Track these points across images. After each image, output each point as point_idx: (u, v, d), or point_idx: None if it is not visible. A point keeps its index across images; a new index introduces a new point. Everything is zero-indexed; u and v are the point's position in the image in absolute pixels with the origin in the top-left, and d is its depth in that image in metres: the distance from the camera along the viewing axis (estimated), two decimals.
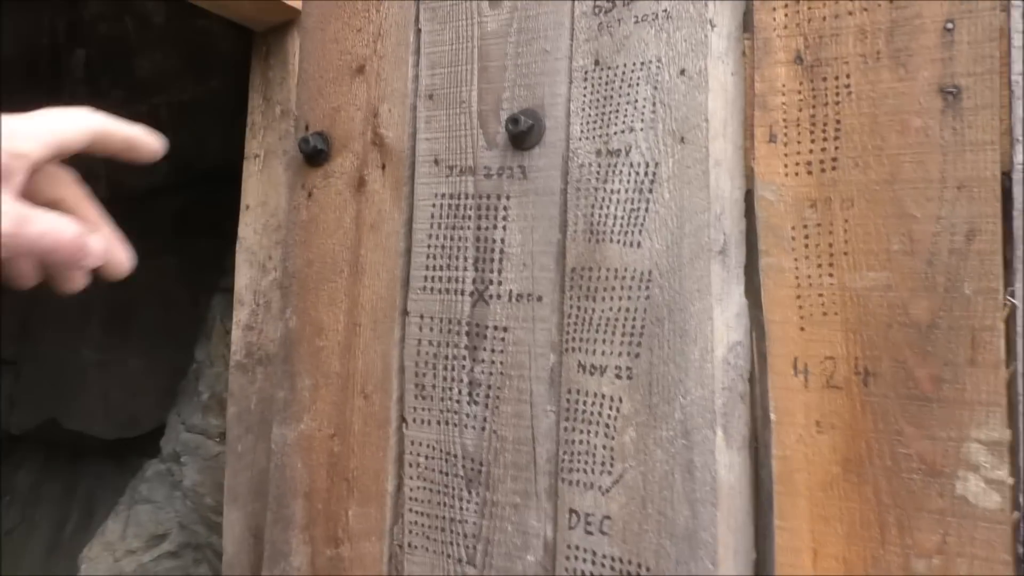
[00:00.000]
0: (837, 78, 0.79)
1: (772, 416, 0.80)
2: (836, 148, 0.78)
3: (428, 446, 1.00)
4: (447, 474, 0.98)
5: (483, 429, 0.96)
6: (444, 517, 0.98)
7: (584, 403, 0.90)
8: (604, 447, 0.88)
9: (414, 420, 1.02)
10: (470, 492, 0.96)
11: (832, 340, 0.77)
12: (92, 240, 0.51)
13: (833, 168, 0.78)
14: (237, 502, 1.30)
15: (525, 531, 0.93)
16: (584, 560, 0.88)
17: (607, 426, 0.88)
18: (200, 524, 1.86)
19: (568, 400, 0.91)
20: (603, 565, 0.87)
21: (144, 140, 0.56)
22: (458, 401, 0.99)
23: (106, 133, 0.53)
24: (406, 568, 1.00)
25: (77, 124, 0.52)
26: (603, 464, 0.88)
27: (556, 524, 0.91)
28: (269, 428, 1.15)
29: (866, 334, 0.75)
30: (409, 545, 1.00)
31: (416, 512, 1.00)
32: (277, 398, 1.13)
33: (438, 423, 1.00)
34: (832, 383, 0.77)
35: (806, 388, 0.78)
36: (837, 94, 0.78)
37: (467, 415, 0.98)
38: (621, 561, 0.86)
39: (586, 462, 0.89)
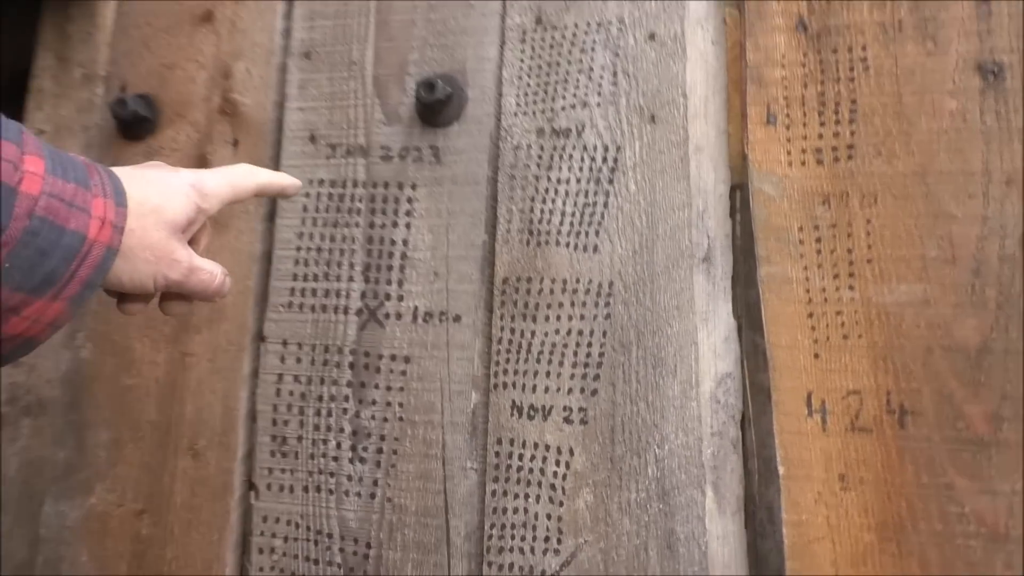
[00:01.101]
0: (850, 49, 0.65)
1: (780, 469, 0.62)
2: (852, 133, 0.64)
3: (289, 522, 0.72)
4: (318, 562, 0.70)
5: (372, 496, 0.70)
6: None
7: (520, 457, 0.67)
8: (549, 516, 0.66)
9: (268, 486, 0.73)
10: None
11: (857, 370, 0.61)
12: (227, 284, 0.59)
13: (849, 157, 0.63)
14: None
15: None
16: None
17: (552, 487, 0.66)
18: None
19: (498, 454, 0.68)
20: None
21: (291, 185, 0.63)
22: (336, 458, 0.72)
23: (267, 186, 0.61)
24: None
25: (249, 184, 0.60)
26: (547, 540, 0.65)
27: None
28: (38, 505, 0.81)
29: (900, 361, 0.60)
30: None
31: None
32: (53, 461, 0.80)
33: (305, 490, 0.72)
34: (859, 425, 0.60)
35: (824, 432, 0.61)
36: (851, 68, 0.64)
37: (348, 477, 0.71)
38: None
39: (523, 538, 0.66)
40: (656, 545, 0.63)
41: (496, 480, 0.68)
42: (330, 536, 0.71)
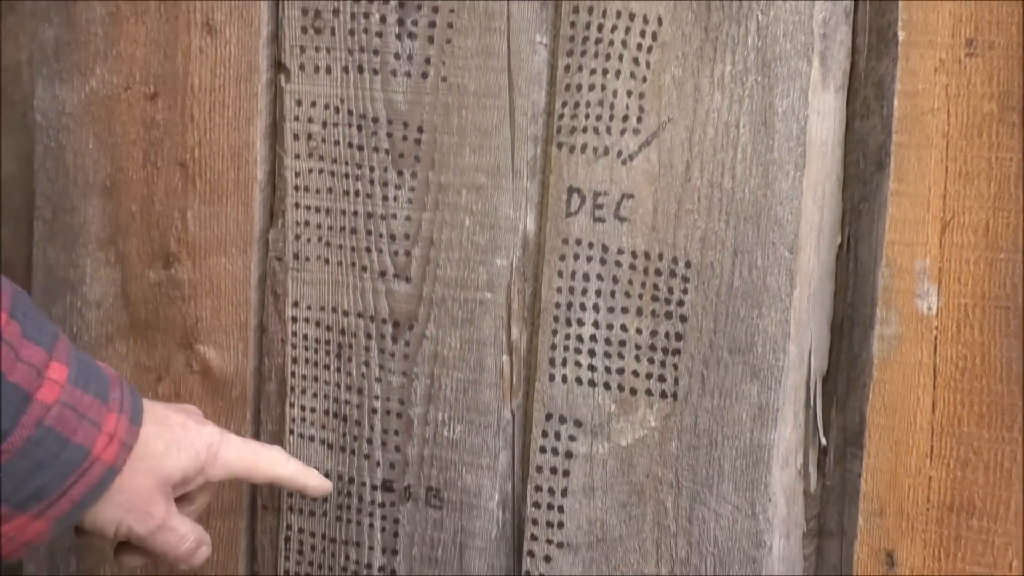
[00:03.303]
0: None
1: (899, 34, 0.55)
2: None
3: (327, 106, 0.64)
4: (362, 148, 0.64)
5: (424, 76, 0.62)
6: (358, 212, 0.64)
7: (600, 28, 0.59)
8: (630, 93, 0.59)
9: (301, 67, 0.65)
10: (401, 173, 0.63)
11: None
12: (199, 554, 0.56)
13: None
14: None
15: (493, 224, 0.62)
16: (589, 259, 0.61)
17: (635, 61, 0.59)
18: None
19: (573, 24, 0.60)
20: (618, 264, 0.60)
21: (315, 486, 0.60)
22: (380, 34, 0.63)
23: (287, 480, 0.59)
24: (291, 291, 0.66)
25: (269, 473, 0.58)
26: (626, 119, 0.59)
27: (545, 211, 0.62)
28: (27, 92, 0.71)
29: None
30: (296, 257, 0.66)
31: (309, 208, 0.65)
32: (42, 39, 0.69)
33: (345, 70, 0.64)
34: None
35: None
36: None
37: (396, 55, 0.63)
38: (647, 257, 0.60)
39: (599, 116, 0.60)
40: (750, 121, 0.57)
41: (570, 54, 0.60)
42: (375, 120, 0.64)
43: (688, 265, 0.59)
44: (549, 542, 0.63)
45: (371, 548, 0.66)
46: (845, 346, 0.60)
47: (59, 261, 0.69)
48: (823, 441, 0.60)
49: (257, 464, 0.57)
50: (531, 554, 0.63)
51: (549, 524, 0.63)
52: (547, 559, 0.63)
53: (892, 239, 0.56)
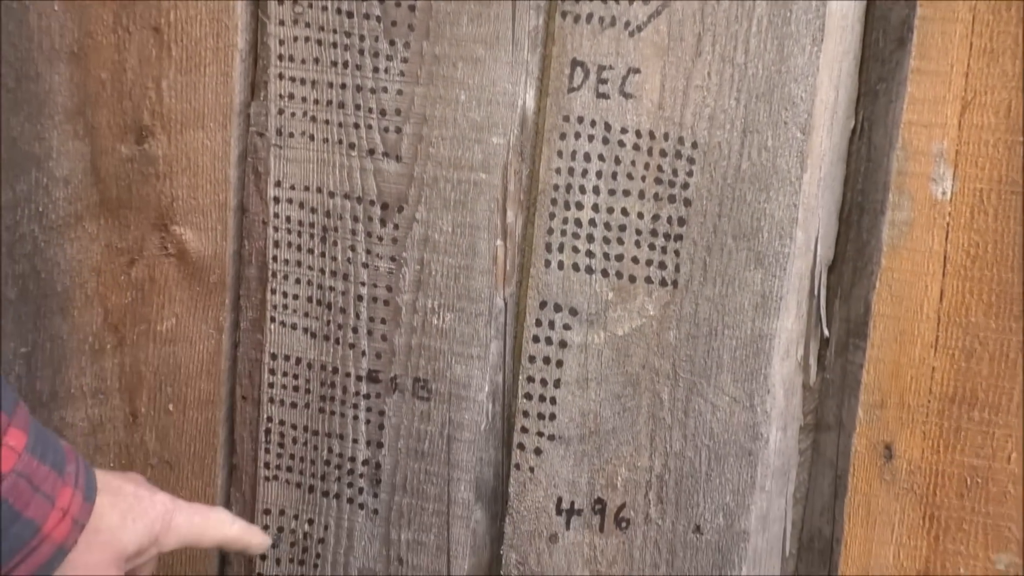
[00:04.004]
0: None
1: None
2: None
3: None
4: (352, 15, 0.60)
5: None
6: (346, 85, 0.60)
7: None
8: None
9: None
10: (393, 43, 0.59)
11: None
12: None
13: None
14: None
15: (490, 99, 0.59)
16: (591, 139, 0.58)
17: None
18: None
19: None
20: (621, 144, 0.57)
21: (258, 543, 0.58)
22: None
23: (232, 540, 0.57)
24: (274, 169, 0.62)
25: (217, 535, 0.56)
26: None
27: (546, 86, 0.59)
28: None
29: None
30: (280, 132, 0.62)
31: (293, 80, 0.61)
32: None
33: None
34: None
35: None
36: None
37: None
38: (652, 136, 0.57)
39: None
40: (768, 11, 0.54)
41: None
42: None
43: (695, 146, 0.56)
44: (540, 434, 0.61)
45: (355, 441, 0.64)
46: (853, 235, 0.58)
47: (23, 133, 0.65)
48: (826, 332, 0.59)
49: (206, 529, 0.55)
50: (521, 446, 0.61)
51: (540, 416, 0.61)
52: (537, 452, 0.61)
53: (909, 120, 0.54)
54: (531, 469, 0.61)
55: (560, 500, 0.61)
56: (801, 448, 0.61)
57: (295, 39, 0.61)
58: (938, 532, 0.56)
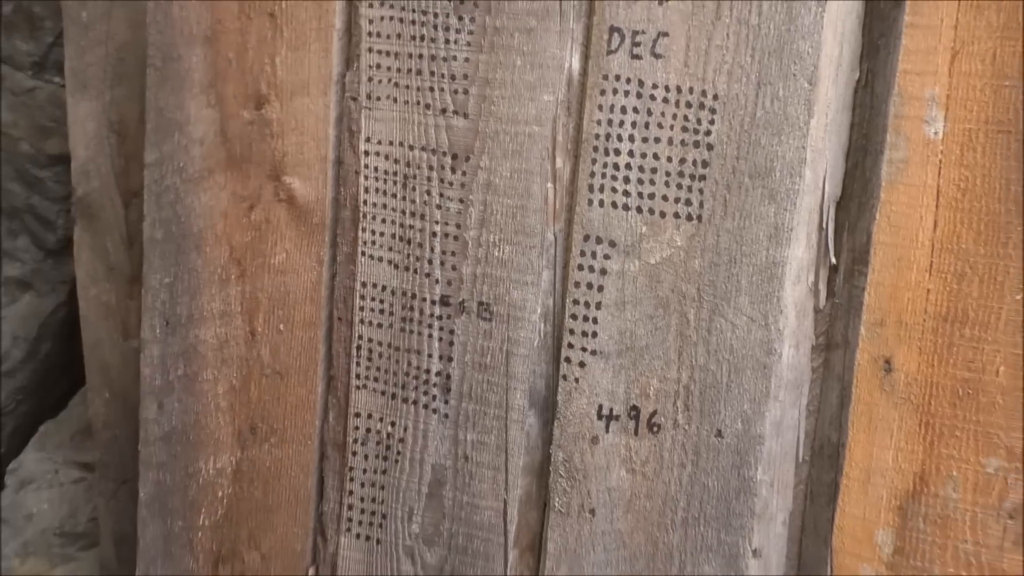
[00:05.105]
0: None
1: None
2: None
3: None
4: None
5: None
6: (423, 55, 0.72)
7: None
8: None
9: None
10: (461, 18, 0.71)
11: None
12: None
13: None
14: (87, 90, 0.96)
15: (542, 63, 0.70)
16: (627, 94, 0.67)
17: None
18: (16, 181, 1.48)
19: None
20: (652, 98, 0.67)
21: None
22: None
23: None
24: (364, 127, 0.75)
25: None
26: None
27: (588, 50, 0.69)
28: None
29: None
30: (369, 96, 0.75)
31: (380, 52, 0.74)
32: None
33: None
34: None
35: None
36: None
37: None
38: (679, 90, 0.66)
39: None
40: None
41: None
42: None
43: (715, 97, 0.65)
44: (584, 350, 0.71)
45: (429, 355, 0.76)
46: (859, 174, 0.66)
47: (168, 104, 0.80)
48: (833, 260, 0.67)
49: None
50: (568, 360, 0.72)
51: (584, 334, 0.71)
52: (581, 364, 0.71)
53: (904, 69, 0.61)
54: (576, 380, 0.72)
55: (601, 407, 0.71)
56: (813, 366, 0.69)
57: (381, 18, 0.73)
58: (933, 438, 0.63)
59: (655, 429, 0.70)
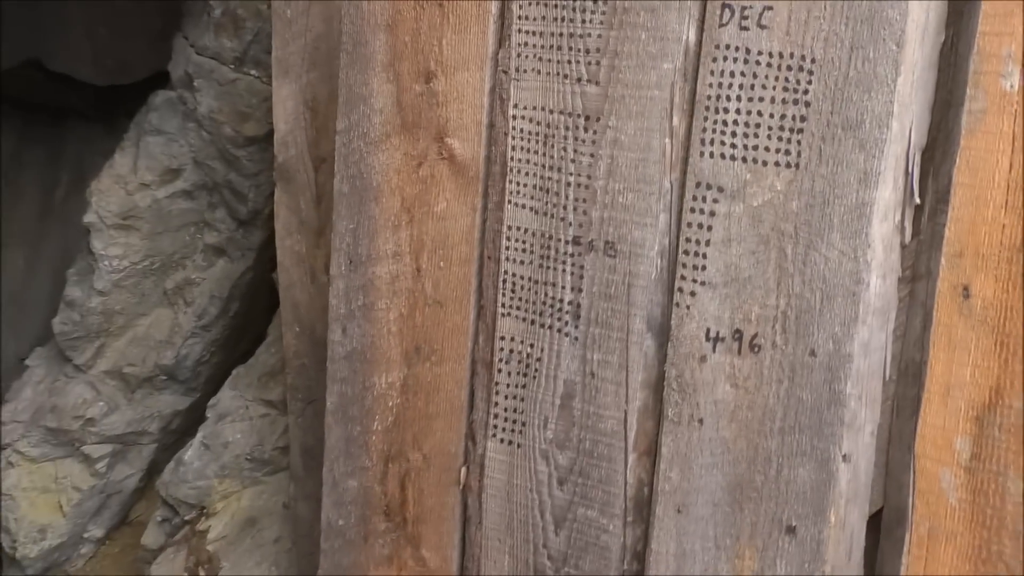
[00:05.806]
0: None
1: None
2: None
3: None
4: None
5: None
6: (562, 34, 0.87)
7: None
8: None
9: None
10: (595, 1, 0.85)
11: None
12: None
13: None
14: (288, 75, 1.17)
15: (663, 37, 0.82)
16: (735, 60, 0.79)
17: None
18: (218, 159, 1.75)
19: None
20: (757, 63, 0.78)
21: None
22: None
23: None
24: (513, 96, 0.91)
25: None
26: None
27: (703, 24, 0.81)
28: None
29: None
30: (517, 70, 0.90)
31: (527, 32, 0.89)
32: None
33: None
34: None
35: None
36: None
37: None
38: (781, 56, 0.77)
39: None
40: None
41: None
42: None
43: (813, 60, 0.76)
44: (695, 281, 0.83)
45: (563, 287, 0.90)
46: (943, 125, 0.74)
47: (356, 81, 0.98)
48: (918, 200, 0.75)
49: None
50: (680, 290, 0.84)
51: (695, 267, 0.83)
52: (692, 294, 0.83)
53: (983, 30, 0.70)
54: (687, 307, 0.84)
55: (708, 330, 0.83)
56: (900, 296, 0.78)
57: (529, 3, 0.88)
58: (1007, 355, 0.71)
59: (756, 349, 0.81)
